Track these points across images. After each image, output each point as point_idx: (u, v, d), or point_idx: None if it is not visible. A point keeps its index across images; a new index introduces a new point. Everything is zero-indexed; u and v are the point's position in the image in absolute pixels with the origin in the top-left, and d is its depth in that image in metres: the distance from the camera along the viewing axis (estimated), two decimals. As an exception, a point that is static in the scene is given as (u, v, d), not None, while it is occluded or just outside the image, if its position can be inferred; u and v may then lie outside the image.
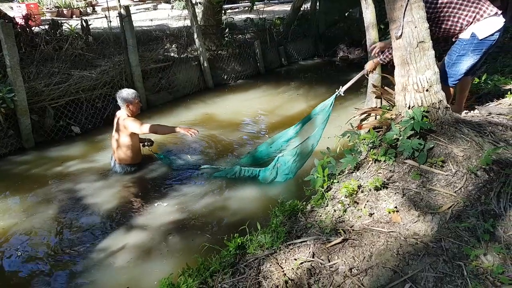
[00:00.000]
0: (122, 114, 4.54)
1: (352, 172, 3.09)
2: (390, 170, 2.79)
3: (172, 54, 7.68)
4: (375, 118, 4.54)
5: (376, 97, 4.58)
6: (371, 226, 2.35)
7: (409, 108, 3.02)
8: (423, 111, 2.91)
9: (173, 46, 7.95)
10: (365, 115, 4.40)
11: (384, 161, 2.89)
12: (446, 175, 2.62)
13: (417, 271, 1.97)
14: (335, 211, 2.67)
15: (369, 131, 3.34)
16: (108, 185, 4.45)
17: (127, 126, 4.41)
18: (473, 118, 3.45)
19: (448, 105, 3.05)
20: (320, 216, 2.70)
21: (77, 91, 5.88)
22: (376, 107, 4.51)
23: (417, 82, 2.96)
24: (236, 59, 8.54)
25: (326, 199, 2.89)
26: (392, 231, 2.27)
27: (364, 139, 3.27)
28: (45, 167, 4.91)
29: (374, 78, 4.55)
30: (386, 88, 4.74)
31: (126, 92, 4.51)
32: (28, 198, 4.26)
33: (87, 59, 6.43)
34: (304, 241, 2.32)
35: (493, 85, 4.63)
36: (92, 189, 4.36)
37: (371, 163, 2.98)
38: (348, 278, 1.99)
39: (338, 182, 3.05)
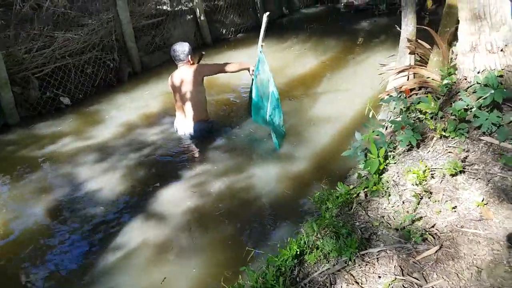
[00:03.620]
0: (185, 68, 4.11)
1: (410, 150, 2.64)
2: (464, 149, 2.35)
3: (165, 8, 6.88)
4: (407, 79, 4.05)
5: (410, 53, 4.04)
6: (462, 226, 1.94)
7: (478, 72, 2.53)
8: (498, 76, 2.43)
9: (165, -3, 7.11)
10: (402, 74, 3.90)
11: (453, 137, 2.45)
12: (535, 154, 2.20)
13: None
14: (403, 203, 2.26)
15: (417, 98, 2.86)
16: (111, 166, 3.93)
17: (211, 70, 4.20)
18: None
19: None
20: (385, 209, 2.29)
21: (63, 56, 5.18)
22: (410, 64, 3.99)
23: (490, 41, 2.45)
24: (235, 10, 7.75)
25: (384, 186, 2.46)
26: (490, 233, 1.87)
27: (420, 109, 2.81)
28: (35, 147, 4.34)
29: (408, 31, 3.98)
30: (420, 41, 4.21)
31: (179, 45, 4.10)
32: (19, 187, 3.71)
33: (71, 18, 5.65)
34: (383, 250, 1.92)
35: None
36: (94, 172, 3.84)
37: (436, 140, 2.53)
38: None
39: (395, 163, 2.62)
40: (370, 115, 3.49)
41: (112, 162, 4.01)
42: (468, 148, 2.35)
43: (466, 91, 2.55)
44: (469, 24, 2.52)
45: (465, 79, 2.62)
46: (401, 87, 3.63)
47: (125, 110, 5.06)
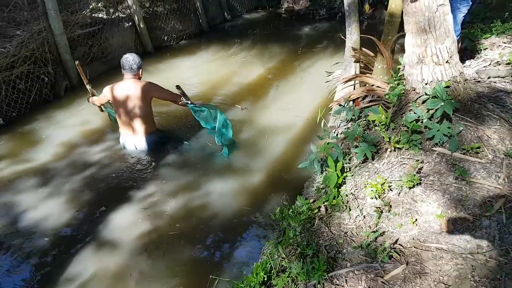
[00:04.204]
0: (132, 82, 3.85)
1: (365, 162, 2.68)
2: (417, 161, 2.41)
3: (100, 15, 6.51)
4: (354, 88, 4.14)
5: (355, 61, 4.14)
6: (424, 240, 1.98)
7: (426, 83, 2.62)
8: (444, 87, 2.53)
9: (100, 4, 6.73)
10: (349, 83, 3.98)
11: (407, 149, 2.51)
12: (484, 163, 2.30)
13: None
14: (364, 217, 2.27)
15: (361, 108, 2.91)
16: (54, 191, 3.62)
17: (161, 96, 3.95)
18: (479, 85, 3.17)
19: (467, 77, 2.71)
20: (347, 224, 2.29)
21: (-10, 72, 4.71)
22: (356, 73, 4.08)
23: (436, 53, 2.54)
24: (175, 16, 7.53)
25: (344, 199, 2.47)
26: (452, 246, 1.92)
27: (372, 121, 2.85)
28: (-35, 174, 3.90)
29: (352, 39, 4.08)
30: (364, 49, 4.33)
31: (134, 56, 3.84)
32: None
33: (-4, 30, 5.16)
34: (350, 271, 1.90)
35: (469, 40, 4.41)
36: (35, 198, 3.52)
37: (390, 151, 2.58)
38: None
39: (352, 175, 2.64)
40: (322, 125, 3.52)
41: (54, 186, 3.70)
42: (422, 159, 2.42)
43: (416, 102, 2.63)
44: (415, 36, 2.59)
45: (414, 90, 2.70)
46: (349, 96, 3.70)
47: (64, 128, 4.71)
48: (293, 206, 2.66)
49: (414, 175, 2.28)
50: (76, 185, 3.70)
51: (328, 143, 2.93)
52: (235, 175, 3.72)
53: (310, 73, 5.97)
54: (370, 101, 3.83)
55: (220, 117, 3.87)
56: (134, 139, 4.02)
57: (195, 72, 6.21)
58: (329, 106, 3.71)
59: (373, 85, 3.84)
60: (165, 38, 7.26)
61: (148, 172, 3.83)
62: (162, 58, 6.71)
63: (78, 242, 3.05)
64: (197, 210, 3.33)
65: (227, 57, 6.80)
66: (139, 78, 3.93)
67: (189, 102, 3.92)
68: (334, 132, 3.92)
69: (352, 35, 4.10)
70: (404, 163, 2.46)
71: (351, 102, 3.63)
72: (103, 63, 6.19)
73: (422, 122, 2.50)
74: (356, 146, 2.69)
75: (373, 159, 2.64)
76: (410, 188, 2.28)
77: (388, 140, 2.52)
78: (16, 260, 2.93)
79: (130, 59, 3.81)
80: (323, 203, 2.58)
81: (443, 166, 2.33)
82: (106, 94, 3.97)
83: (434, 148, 2.42)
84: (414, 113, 2.52)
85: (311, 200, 2.69)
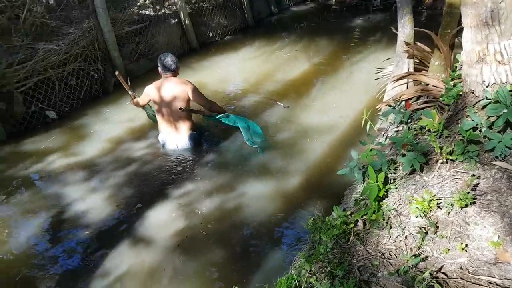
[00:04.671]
0: (175, 81, 3.93)
1: (413, 173, 2.41)
2: (473, 175, 2.11)
3: (147, 12, 6.59)
4: (406, 87, 3.80)
5: (408, 57, 3.80)
6: (474, 271, 1.71)
7: (487, 86, 2.29)
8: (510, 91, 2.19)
9: (147, 1, 6.80)
10: (400, 81, 3.66)
11: (461, 161, 2.21)
12: (554, 181, 1.96)
13: None
14: (406, 238, 2.03)
15: (414, 110, 2.61)
16: (97, 186, 3.70)
17: (196, 96, 3.90)
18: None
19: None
20: (385, 244, 2.06)
21: (45, 68, 4.91)
22: (409, 71, 3.74)
23: (500, 51, 2.20)
24: (221, 12, 7.44)
25: (385, 215, 2.23)
26: (507, 280, 1.64)
27: (424, 127, 2.56)
28: (22, 165, 4.09)
29: (405, 33, 3.74)
30: (419, 44, 3.97)
31: (171, 56, 3.94)
32: (5, 208, 3.50)
33: (51, 28, 5.36)
34: (386, 301, 1.68)
35: None
36: (80, 192, 3.62)
37: (442, 163, 2.29)
38: None
39: (396, 188, 2.38)
40: (368, 128, 3.25)
41: (98, 181, 3.79)
42: (478, 174, 2.12)
43: (474, 107, 2.31)
44: (475, 31, 2.27)
45: (472, 93, 2.38)
46: (400, 97, 3.40)
47: (111, 124, 4.82)
48: (327, 217, 2.46)
49: (468, 192, 1.99)
50: (119, 181, 3.77)
51: (371, 150, 2.69)
52: (271, 178, 3.58)
53: (360, 69, 5.64)
54: (425, 102, 3.49)
55: (241, 122, 3.89)
56: (176, 138, 4.04)
57: (238, 69, 6.09)
58: (377, 107, 3.42)
59: (428, 84, 3.50)
60: (210, 34, 7.21)
61: (185, 171, 3.81)
62: (206, 55, 6.66)
63: (116, 236, 3.10)
64: (231, 212, 3.25)
65: (271, 52, 6.62)
66: (176, 76, 3.98)
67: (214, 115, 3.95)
68: (383, 135, 3.63)
69: (405, 28, 3.75)
70: (457, 178, 2.17)
71: (402, 102, 3.32)
72: (150, 60, 6.24)
73: (480, 130, 2.18)
74: (404, 155, 2.43)
75: (421, 170, 2.36)
76: (462, 207, 2.00)
77: (439, 150, 2.24)
78: (58, 250, 3.03)
79: (169, 60, 3.87)
80: (361, 216, 2.36)
81: (504, 184, 2.02)
82: (148, 93, 4.00)
83: (494, 162, 2.11)
84: (472, 120, 2.21)
85: (348, 213, 2.47)
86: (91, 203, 3.49)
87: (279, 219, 3.10)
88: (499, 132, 2.13)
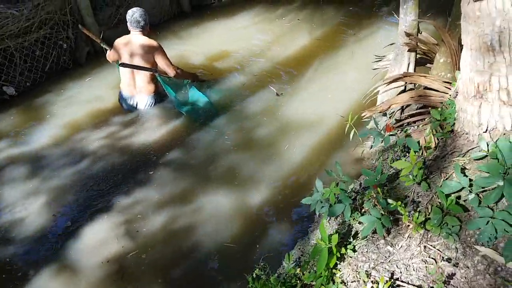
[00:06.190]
0: (142, 38, 3.75)
1: (374, 236, 1.86)
2: (450, 260, 1.55)
3: (132, -32, 5.83)
4: (405, 89, 3.12)
5: (409, 50, 3.09)
6: None
7: (485, 131, 1.66)
8: (515, 144, 1.56)
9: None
10: (394, 84, 3.00)
11: (437, 234, 1.64)
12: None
13: None
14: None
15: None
16: (37, 188, 3.27)
17: (159, 60, 3.75)
18: None
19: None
20: None
21: (2, 38, 4.37)
22: (407, 71, 3.04)
23: (507, 88, 1.56)
24: (220, -33, 6.60)
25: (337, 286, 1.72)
26: None
27: (399, 169, 1.97)
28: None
29: (407, 21, 3.00)
30: (424, 35, 3.24)
31: (141, 11, 3.71)
32: None
33: (11, -10, 4.76)
34: None
35: None
36: (17, 193, 3.21)
37: (412, 230, 1.73)
38: None
39: (355, 252, 1.85)
40: (351, 135, 2.66)
41: (39, 180, 3.36)
42: (457, 259, 1.56)
43: (465, 156, 1.70)
44: (476, 56, 1.61)
45: (466, 134, 1.76)
46: (389, 106, 2.75)
47: (74, 105, 4.31)
48: (272, 277, 1.97)
49: (442, 283, 1.45)
50: (63, 182, 3.33)
51: (336, 185, 2.15)
52: (235, 189, 3.12)
53: (366, 47, 4.90)
54: (420, 109, 2.86)
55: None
56: (136, 97, 3.93)
57: (230, 38, 5.40)
58: (362, 114, 2.81)
59: (426, 88, 2.83)
60: (206, -6, 6.42)
61: (140, 172, 3.37)
62: (198, 20, 5.94)
63: (42, 258, 2.70)
64: (180, 234, 2.82)
65: (271, 20, 5.85)
66: (146, 35, 3.78)
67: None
68: (371, 147, 3.05)
69: (407, 16, 3.01)
70: (429, 257, 1.62)
71: (384, 118, 2.70)
72: (133, 25, 5.61)
73: (466, 198, 1.59)
74: (366, 213, 1.87)
75: (388, 233, 1.81)
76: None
77: (407, 220, 1.66)
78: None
79: (137, 15, 3.67)
80: (311, 281, 1.87)
81: (488, 280, 1.46)
82: (115, 46, 3.87)
83: (479, 248, 1.53)
84: (457, 181, 1.61)
85: (298, 270, 1.98)
86: (26, 209, 3.07)
87: (232, 252, 2.64)
88: (490, 208, 1.53)
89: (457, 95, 1.87)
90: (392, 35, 4.66)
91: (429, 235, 1.67)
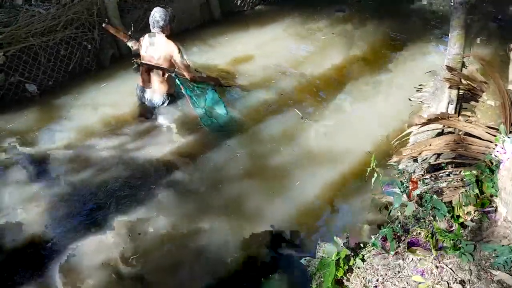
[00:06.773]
0: (162, 38, 3.81)
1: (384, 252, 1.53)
2: (463, 283, 1.23)
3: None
4: (442, 131, 2.73)
5: (450, 87, 2.70)
6: None
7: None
8: None
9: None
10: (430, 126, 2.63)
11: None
12: None
13: None
14: None
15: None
16: (40, 192, 3.20)
17: (177, 61, 3.79)
18: None
19: None
20: None
21: (27, 36, 4.32)
22: (446, 112, 2.66)
23: None
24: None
25: None
26: None
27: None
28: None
29: (451, 54, 2.63)
30: (469, 69, 2.85)
31: (161, 11, 3.76)
32: None
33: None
34: None
35: None
36: (20, 195, 3.16)
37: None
38: None
39: (364, 262, 1.53)
40: (373, 181, 2.33)
41: (44, 184, 3.29)
42: (470, 281, 1.23)
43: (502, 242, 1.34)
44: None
45: (509, 222, 1.40)
46: (420, 152, 2.39)
47: (90, 108, 4.23)
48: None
49: None
50: (65, 190, 3.25)
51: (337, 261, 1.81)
52: (235, 222, 2.93)
53: (405, 73, 4.45)
54: (454, 159, 2.47)
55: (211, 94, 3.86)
56: (150, 94, 4.02)
57: (259, 51, 5.13)
58: (388, 161, 2.47)
59: (466, 135, 2.45)
60: (238, 2, 6.15)
61: (146, 188, 3.24)
62: (228, 28, 5.69)
63: (36, 265, 2.64)
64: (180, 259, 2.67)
65: (303, 34, 5.52)
66: (167, 35, 3.82)
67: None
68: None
69: (452, 48, 2.63)
70: (442, 280, 1.29)
71: (415, 164, 2.34)
72: (161, 29, 5.46)
73: None
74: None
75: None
76: None
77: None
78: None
79: (157, 15, 3.73)
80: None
81: None
82: (140, 42, 3.97)
83: (493, 271, 1.22)
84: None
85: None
86: (25, 213, 3.01)
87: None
88: None
89: (500, 164, 1.50)
90: (438, 64, 4.23)
91: (443, 257, 1.35)
